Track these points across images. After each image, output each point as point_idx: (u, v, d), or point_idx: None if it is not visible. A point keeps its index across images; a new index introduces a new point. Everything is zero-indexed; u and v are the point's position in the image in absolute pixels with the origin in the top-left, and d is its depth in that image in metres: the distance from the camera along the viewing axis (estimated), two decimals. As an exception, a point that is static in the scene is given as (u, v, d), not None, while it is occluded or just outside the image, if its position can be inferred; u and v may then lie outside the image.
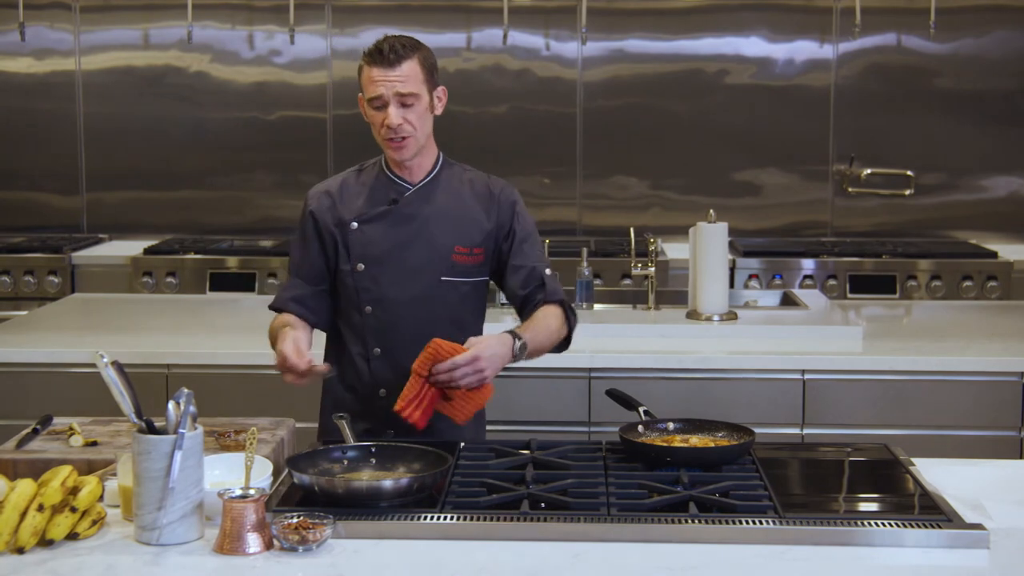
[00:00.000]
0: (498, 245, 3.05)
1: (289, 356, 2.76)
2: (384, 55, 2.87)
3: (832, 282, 5.69)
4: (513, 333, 2.86)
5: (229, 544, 2.23)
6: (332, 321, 3.09)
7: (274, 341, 2.91)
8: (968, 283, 5.68)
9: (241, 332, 4.29)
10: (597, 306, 4.56)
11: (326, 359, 3.12)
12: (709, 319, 4.17)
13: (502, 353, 2.79)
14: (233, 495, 2.26)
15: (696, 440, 2.76)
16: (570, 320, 3.04)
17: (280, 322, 2.99)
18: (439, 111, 3.00)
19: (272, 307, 3.07)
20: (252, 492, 2.28)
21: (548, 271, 3.06)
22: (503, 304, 4.25)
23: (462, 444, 2.82)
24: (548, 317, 2.98)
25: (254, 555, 2.22)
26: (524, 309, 3.04)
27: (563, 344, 3.06)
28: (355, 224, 2.99)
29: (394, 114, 2.89)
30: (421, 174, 3.03)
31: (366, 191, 3.02)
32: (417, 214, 2.99)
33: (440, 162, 3.07)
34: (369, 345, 3.01)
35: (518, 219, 3.08)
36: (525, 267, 3.04)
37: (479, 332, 3.05)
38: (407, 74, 2.88)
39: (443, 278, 2.99)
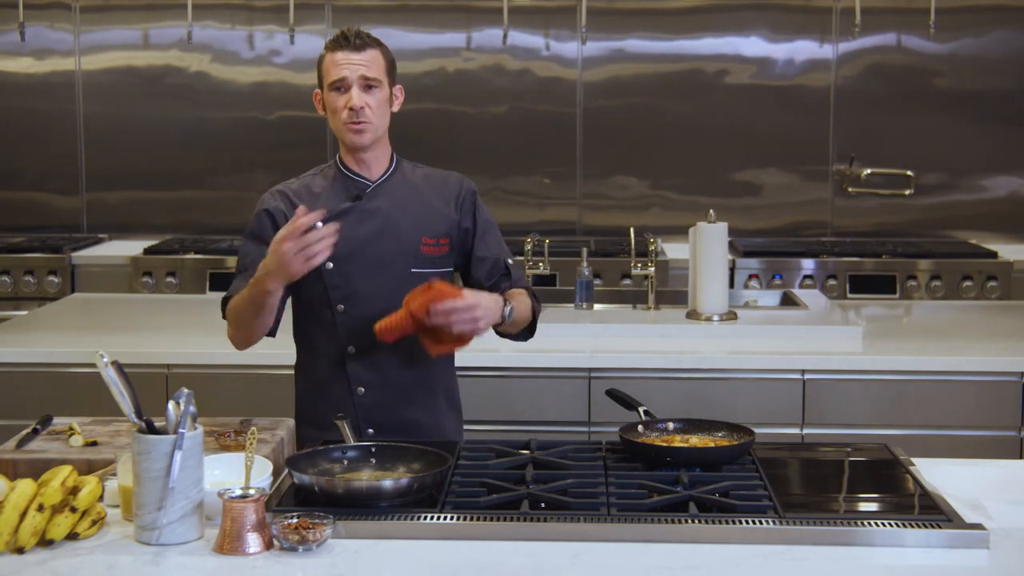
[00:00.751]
0: (462, 236, 3.07)
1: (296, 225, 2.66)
2: (350, 40, 2.92)
3: (832, 282, 5.69)
4: (504, 299, 2.92)
5: (229, 544, 2.23)
6: (297, 327, 3.08)
7: (251, 294, 2.81)
8: (968, 283, 5.68)
9: (241, 332, 4.29)
10: (597, 306, 4.56)
11: (297, 368, 3.11)
12: (709, 319, 4.17)
13: (495, 310, 2.84)
14: (233, 495, 2.27)
15: (696, 440, 2.76)
16: (535, 307, 3.09)
17: (235, 300, 2.91)
18: (396, 108, 3.03)
19: (226, 297, 2.97)
20: (252, 492, 2.28)
21: (510, 260, 3.11)
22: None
23: (462, 444, 2.82)
24: (522, 297, 3.04)
25: (254, 555, 2.22)
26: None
27: (528, 331, 3.10)
28: (320, 223, 2.98)
29: (357, 96, 2.91)
30: (379, 170, 3.04)
31: (326, 191, 3.02)
32: (381, 208, 3.00)
33: (395, 160, 3.08)
34: (343, 344, 3.00)
35: (479, 211, 3.10)
36: (489, 258, 3.08)
37: None
38: (370, 59, 2.93)
39: (413, 270, 2.99)
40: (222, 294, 3.00)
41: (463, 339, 2.82)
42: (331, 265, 2.96)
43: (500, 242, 3.14)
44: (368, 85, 2.92)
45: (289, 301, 3.04)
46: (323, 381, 3.04)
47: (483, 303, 2.79)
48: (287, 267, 2.69)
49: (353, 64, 2.91)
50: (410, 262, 3.00)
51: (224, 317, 2.99)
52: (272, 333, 2.99)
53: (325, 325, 3.01)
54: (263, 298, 2.81)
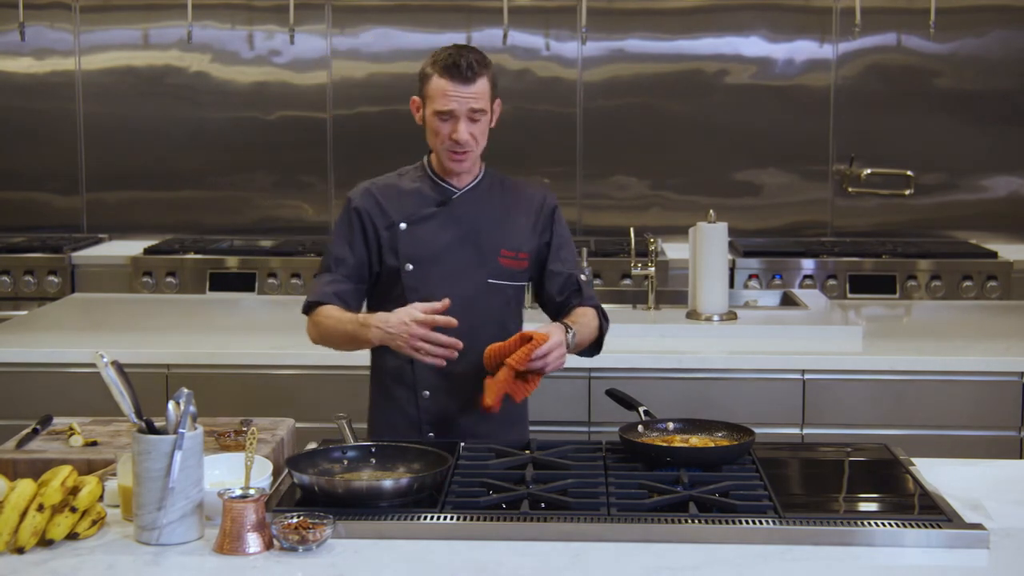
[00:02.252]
0: (540, 250, 3.09)
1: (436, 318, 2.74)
2: (462, 71, 2.88)
3: (832, 282, 5.69)
4: (565, 324, 2.93)
5: (229, 544, 2.23)
6: None
7: (352, 332, 2.87)
8: (968, 283, 5.68)
9: (241, 332, 4.30)
10: (597, 306, 4.56)
11: (371, 372, 3.12)
12: (709, 319, 4.17)
13: (565, 340, 2.88)
14: (233, 495, 2.27)
15: (696, 440, 2.76)
16: (603, 325, 3.10)
17: (330, 311, 2.94)
18: (494, 124, 3.02)
19: (312, 301, 2.99)
20: (252, 492, 2.28)
21: (583, 276, 3.11)
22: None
23: (462, 444, 2.82)
24: (587, 316, 3.04)
25: (254, 555, 2.22)
26: (559, 314, 3.08)
27: (595, 347, 3.11)
28: (404, 225, 3.00)
29: (463, 130, 2.91)
30: (468, 179, 3.05)
31: (412, 193, 3.03)
32: (464, 216, 3.02)
33: (483, 170, 3.09)
34: None
35: (558, 225, 3.12)
36: (563, 273, 3.09)
37: (513, 326, 3.10)
38: (480, 91, 2.91)
39: (490, 280, 3.01)
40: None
41: (538, 379, 2.89)
42: (411, 267, 2.98)
43: (575, 257, 3.15)
44: (473, 117, 2.92)
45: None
46: (391, 381, 3.05)
47: (561, 338, 2.84)
48: (398, 343, 2.77)
49: (463, 98, 2.89)
50: (488, 273, 3.01)
51: (304, 313, 3.00)
52: None
53: None
54: (362, 344, 2.91)
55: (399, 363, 3.02)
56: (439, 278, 2.98)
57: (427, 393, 3.02)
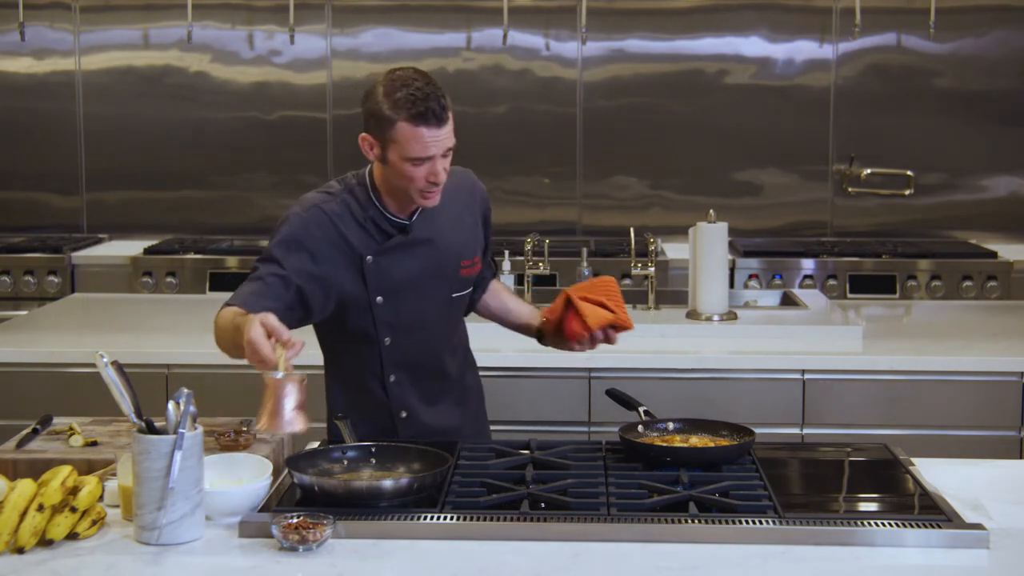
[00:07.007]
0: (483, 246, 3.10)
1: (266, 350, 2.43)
2: (436, 115, 2.71)
3: (832, 282, 5.69)
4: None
5: (272, 421, 2.34)
6: (332, 363, 3.00)
7: (234, 335, 2.62)
8: (968, 283, 5.68)
9: (241, 332, 4.29)
10: (597, 306, 4.56)
11: (329, 391, 3.02)
12: (709, 319, 4.17)
13: None
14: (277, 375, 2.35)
15: (696, 440, 2.76)
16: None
17: (237, 313, 2.69)
18: None
19: (234, 304, 2.75)
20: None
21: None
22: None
23: (462, 444, 2.82)
24: (509, 294, 3.24)
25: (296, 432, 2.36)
26: (473, 295, 3.13)
27: None
28: (370, 258, 2.87)
29: (441, 168, 2.77)
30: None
31: (369, 222, 2.87)
32: (425, 239, 2.91)
33: None
34: (386, 373, 2.94)
35: (489, 226, 3.11)
36: (486, 278, 3.15)
37: (462, 324, 3.13)
38: (451, 127, 2.76)
39: (453, 295, 2.99)
40: (222, 294, 2.93)
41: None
42: (381, 299, 2.88)
43: (490, 254, 3.18)
44: (447, 154, 2.78)
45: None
46: (361, 403, 2.95)
47: None
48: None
49: (440, 140, 2.74)
50: (452, 287, 2.98)
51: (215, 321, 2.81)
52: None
53: (368, 356, 2.93)
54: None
55: (371, 393, 2.95)
56: (408, 306, 2.89)
57: (404, 414, 2.96)
